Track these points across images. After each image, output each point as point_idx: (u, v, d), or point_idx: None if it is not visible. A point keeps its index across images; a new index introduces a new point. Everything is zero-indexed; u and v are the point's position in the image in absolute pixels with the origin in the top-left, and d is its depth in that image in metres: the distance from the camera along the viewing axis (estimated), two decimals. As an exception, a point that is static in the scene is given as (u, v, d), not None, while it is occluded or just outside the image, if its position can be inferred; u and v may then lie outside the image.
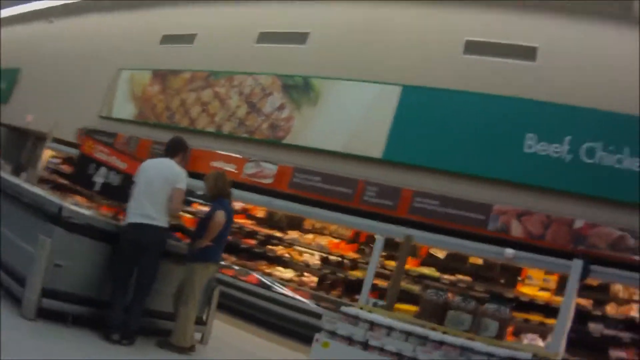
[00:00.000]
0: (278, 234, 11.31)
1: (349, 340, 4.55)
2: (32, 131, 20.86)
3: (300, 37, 13.50)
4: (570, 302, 7.75)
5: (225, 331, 7.63)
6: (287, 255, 11.07)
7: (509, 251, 8.75)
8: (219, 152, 13.12)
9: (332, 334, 4.63)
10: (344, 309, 4.73)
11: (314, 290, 10.44)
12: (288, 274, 10.92)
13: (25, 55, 22.64)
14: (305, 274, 10.91)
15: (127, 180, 6.80)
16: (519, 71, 10.65)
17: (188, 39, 16.04)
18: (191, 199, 12.35)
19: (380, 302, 5.41)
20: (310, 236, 11.18)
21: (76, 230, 5.78)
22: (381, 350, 4.41)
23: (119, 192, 6.89)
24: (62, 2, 20.44)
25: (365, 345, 4.47)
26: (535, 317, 8.68)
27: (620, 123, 9.38)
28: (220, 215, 6.37)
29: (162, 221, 6.07)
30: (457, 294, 8.01)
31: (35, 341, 5.17)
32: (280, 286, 10.39)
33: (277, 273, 10.87)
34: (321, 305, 9.93)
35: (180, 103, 14.89)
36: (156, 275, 6.20)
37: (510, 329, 7.70)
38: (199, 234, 6.46)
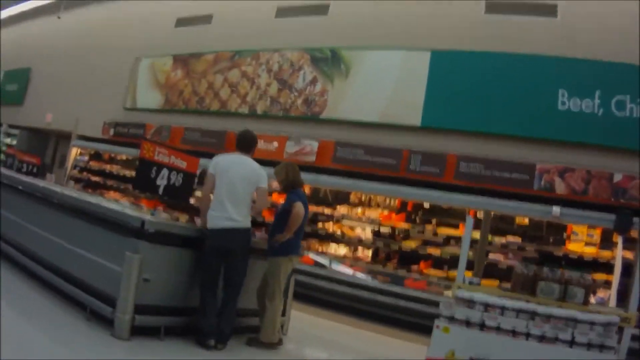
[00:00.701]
0: (327, 211, 12.02)
1: (467, 323, 4.90)
2: (53, 130, 21.65)
3: (321, 9, 14.00)
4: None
5: (295, 318, 7.86)
6: (339, 231, 11.73)
7: (556, 209, 9.41)
8: (257, 133, 13.28)
9: (451, 319, 4.93)
10: (458, 293, 4.99)
11: (369, 264, 11.21)
12: (342, 250, 11.68)
13: (35, 54, 23.30)
14: (359, 248, 11.62)
15: (189, 179, 7.14)
16: (541, 28, 11.13)
17: (205, 19, 16.57)
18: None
19: (475, 280, 5.61)
20: (359, 210, 11.92)
21: (160, 242, 5.93)
22: (497, 329, 4.79)
23: (182, 192, 7.16)
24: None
25: (482, 326, 4.83)
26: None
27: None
28: (299, 207, 6.52)
29: (247, 222, 6.25)
30: (518, 259, 8.70)
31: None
32: (337, 264, 11.14)
33: (331, 251, 11.41)
34: (378, 279, 10.71)
35: (207, 86, 15.58)
36: (245, 277, 6.38)
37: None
38: (278, 228, 6.61)
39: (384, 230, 11.50)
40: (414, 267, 10.83)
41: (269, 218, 8.78)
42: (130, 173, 16.54)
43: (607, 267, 9.13)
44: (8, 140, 22.60)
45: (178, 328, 6.17)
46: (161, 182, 6.72)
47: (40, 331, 5.49)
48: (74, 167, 18.67)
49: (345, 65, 12.92)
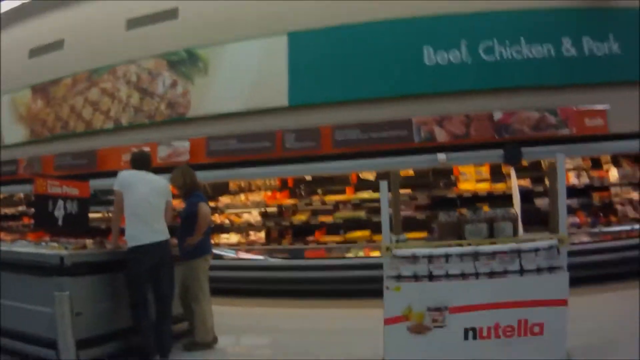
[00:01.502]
0: (210, 204, 10.34)
1: (415, 278, 4.52)
2: None
3: (170, 13, 12.19)
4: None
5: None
6: (226, 220, 10.19)
7: (441, 156, 8.63)
8: (126, 144, 11.82)
9: (398, 277, 4.53)
10: (399, 252, 4.56)
11: (265, 245, 9.80)
12: (233, 238, 10.13)
13: None
14: (251, 232, 10.11)
15: (84, 204, 6.49)
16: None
17: (57, 45, 14.20)
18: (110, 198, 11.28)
19: (402, 237, 5.07)
20: (242, 197, 10.42)
21: (81, 273, 5.28)
22: (447, 276, 4.45)
23: (80, 218, 6.47)
24: None
25: (431, 277, 4.49)
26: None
27: (513, 18, 9.37)
28: (204, 208, 5.97)
29: (167, 233, 5.62)
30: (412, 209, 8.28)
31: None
32: (233, 252, 9.68)
33: (224, 240, 9.97)
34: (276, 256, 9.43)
35: (70, 110, 13.27)
36: (174, 287, 5.85)
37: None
38: (187, 232, 5.93)
39: (271, 210, 10.10)
40: (310, 238, 9.49)
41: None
42: (9, 210, 14.46)
43: (504, 199, 8.48)
44: None
45: (120, 353, 5.49)
46: (59, 213, 6.12)
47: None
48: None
49: (203, 62, 11.17)
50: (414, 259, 4.55)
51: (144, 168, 5.76)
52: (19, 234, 13.86)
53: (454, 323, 4.29)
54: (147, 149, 10.79)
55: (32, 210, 13.26)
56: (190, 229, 5.92)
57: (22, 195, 14.54)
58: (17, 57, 15.00)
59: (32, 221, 13.35)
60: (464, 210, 5.15)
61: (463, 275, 4.43)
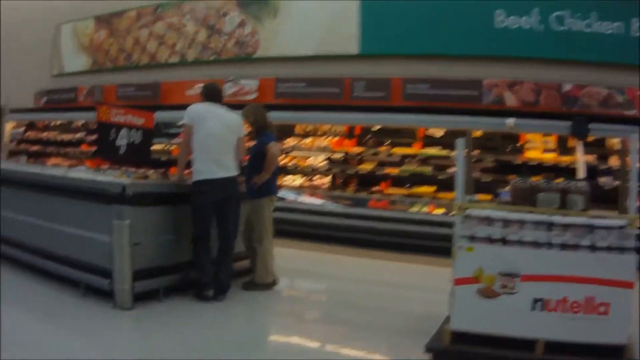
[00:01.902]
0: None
1: (489, 240, 4.26)
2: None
3: None
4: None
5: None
6: (291, 163, 10.16)
7: (510, 120, 8.34)
8: (191, 79, 11.70)
9: (471, 238, 4.28)
10: (474, 212, 4.35)
11: (329, 191, 9.71)
12: (297, 180, 10.09)
13: None
14: (315, 176, 10.10)
15: (148, 135, 6.28)
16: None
17: None
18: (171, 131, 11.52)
19: (474, 197, 4.99)
20: (308, 140, 10.32)
21: (142, 203, 5.07)
22: (520, 243, 4.21)
23: (143, 149, 6.28)
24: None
25: (504, 242, 4.23)
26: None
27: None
28: (274, 147, 5.83)
29: (236, 169, 5.47)
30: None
31: (142, 328, 4.75)
32: (297, 194, 9.68)
33: (287, 182, 9.85)
34: (341, 203, 9.32)
35: (134, 42, 13.22)
36: (239, 224, 5.67)
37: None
38: (255, 170, 5.79)
39: (337, 156, 9.94)
40: (375, 188, 9.37)
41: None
42: (67, 137, 14.47)
43: (568, 172, 8.15)
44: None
45: (175, 286, 5.35)
46: (121, 142, 5.90)
47: (37, 318, 4.66)
48: (11, 140, 16.14)
49: (273, 5, 11.03)
50: (488, 221, 4.35)
51: (215, 100, 5.57)
52: (76, 161, 13.89)
53: (523, 291, 4.13)
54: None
55: (92, 137, 13.28)
56: (258, 167, 5.79)
57: (80, 122, 14.41)
58: None
59: (93, 148, 13.29)
60: (536, 178, 4.91)
61: (536, 244, 4.22)
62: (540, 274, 4.13)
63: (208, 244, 5.34)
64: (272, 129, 6.12)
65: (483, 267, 4.18)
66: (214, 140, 5.28)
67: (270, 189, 5.95)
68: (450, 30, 9.33)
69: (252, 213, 5.87)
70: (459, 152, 4.68)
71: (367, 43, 9.98)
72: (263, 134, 5.94)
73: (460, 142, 4.66)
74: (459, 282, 4.24)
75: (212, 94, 5.57)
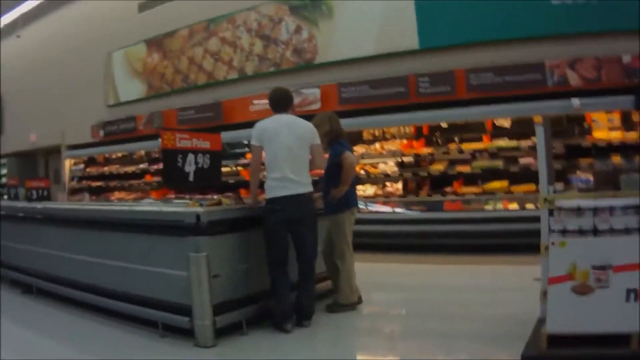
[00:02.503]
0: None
1: (580, 232, 4.65)
2: (39, 149, 21.72)
3: None
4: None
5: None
6: (362, 171, 11.82)
7: (576, 101, 9.48)
8: (252, 94, 13.68)
9: (563, 232, 4.68)
10: (564, 203, 4.73)
11: (402, 197, 11.32)
12: (369, 189, 11.78)
13: (3, 79, 23.04)
14: (387, 183, 11.75)
15: (216, 158, 6.73)
16: None
17: None
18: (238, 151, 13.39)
19: (558, 188, 5.27)
20: (377, 146, 12.02)
21: (218, 232, 5.55)
22: (611, 231, 4.58)
23: (212, 173, 6.75)
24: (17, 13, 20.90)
25: (595, 232, 4.62)
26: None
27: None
28: (350, 157, 6.35)
29: (311, 186, 5.93)
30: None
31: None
32: (371, 204, 11.27)
33: (359, 192, 11.31)
34: (415, 209, 10.92)
35: (189, 62, 15.52)
36: (317, 244, 6.11)
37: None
38: (332, 183, 6.33)
39: (407, 159, 11.56)
40: (448, 189, 10.96)
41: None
42: (129, 169, 16.81)
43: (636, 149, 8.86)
44: (-4, 171, 22.77)
45: (258, 316, 5.87)
46: (189, 168, 6.34)
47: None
48: (72, 178, 18.75)
49: (327, 5, 12.86)
50: (578, 211, 4.68)
51: (284, 108, 6.02)
52: (141, 193, 16.11)
53: (616, 283, 4.37)
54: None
55: (155, 167, 15.65)
56: (334, 179, 6.26)
57: (143, 152, 16.89)
58: (126, 13, 17.50)
59: (157, 178, 15.45)
60: (617, 158, 5.62)
61: (627, 231, 4.53)
62: (632, 262, 4.37)
63: (285, 269, 5.78)
64: (345, 137, 6.66)
65: (577, 262, 4.47)
66: (284, 156, 5.70)
67: (350, 201, 6.44)
68: (507, 12, 10.69)
69: (333, 229, 6.39)
70: (540, 142, 5.12)
71: (425, 36, 11.55)
72: (337, 143, 6.46)
73: (539, 130, 5.11)
74: (553, 280, 4.53)
75: (279, 102, 6.02)
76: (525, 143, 10.29)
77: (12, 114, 22.94)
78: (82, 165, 18.64)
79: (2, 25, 21.92)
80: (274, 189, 5.70)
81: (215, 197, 10.41)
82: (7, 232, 8.84)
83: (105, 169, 17.69)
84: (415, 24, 11.61)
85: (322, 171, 6.37)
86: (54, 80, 20.02)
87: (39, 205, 8.67)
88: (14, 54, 22.26)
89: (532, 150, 9.95)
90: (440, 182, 11.15)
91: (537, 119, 9.73)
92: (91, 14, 18.69)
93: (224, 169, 12.09)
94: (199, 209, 5.54)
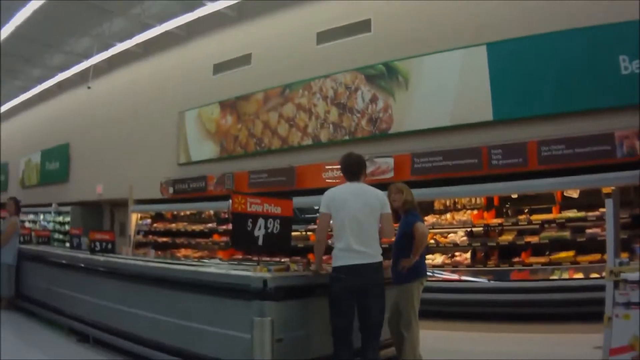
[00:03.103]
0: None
1: None
2: (105, 200, 23.21)
3: (362, 25, 15.14)
4: None
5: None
6: (432, 241, 12.65)
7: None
8: (325, 161, 14.77)
9: (627, 304, 4.98)
10: (629, 276, 5.01)
11: (470, 267, 12.10)
12: (437, 258, 12.62)
13: (71, 129, 25.29)
14: (456, 253, 12.57)
15: (287, 223, 6.97)
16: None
17: (244, 60, 17.93)
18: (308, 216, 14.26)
19: (625, 260, 5.52)
20: (448, 216, 12.96)
21: (284, 298, 5.89)
22: None
23: (282, 239, 6.93)
24: (89, 65, 22.46)
25: None
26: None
27: None
28: (423, 227, 6.80)
29: (379, 256, 6.12)
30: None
31: None
32: (439, 272, 12.13)
33: (427, 261, 12.12)
34: (482, 278, 11.70)
35: (263, 126, 16.88)
36: (384, 314, 6.27)
37: None
38: (402, 253, 6.75)
39: (477, 230, 12.39)
40: (515, 259, 11.71)
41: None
42: (197, 227, 17.93)
43: None
44: (60, 219, 24.13)
45: None
46: (259, 233, 6.52)
47: None
48: (138, 232, 20.03)
49: (403, 76, 13.98)
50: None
51: (356, 176, 6.27)
52: (208, 251, 17.18)
53: None
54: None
55: (224, 227, 16.72)
56: (405, 249, 6.71)
57: (211, 212, 18.14)
58: (202, 73, 19.11)
59: (225, 238, 16.68)
60: None
61: None
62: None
63: (349, 338, 5.95)
64: (417, 208, 7.09)
65: (637, 333, 4.74)
66: (351, 226, 5.95)
67: (419, 271, 6.86)
68: (578, 84, 11.62)
69: (401, 298, 6.76)
70: (609, 214, 5.48)
71: (499, 107, 12.54)
72: (410, 214, 6.91)
73: (609, 202, 5.48)
74: (614, 352, 4.81)
75: (351, 168, 6.30)
76: (592, 213, 11.02)
77: (79, 163, 24.76)
78: (149, 220, 19.98)
79: (72, 74, 23.90)
80: (339, 258, 5.97)
81: (283, 260, 11.20)
82: (68, 281, 9.59)
83: (173, 225, 18.94)
84: (489, 94, 12.57)
85: (392, 240, 6.65)
86: (123, 134, 21.76)
87: (102, 257, 9.29)
88: (83, 104, 24.23)
89: (599, 220, 10.73)
90: (508, 252, 11.89)
91: (608, 190, 10.67)
92: (165, 72, 20.39)
93: (293, 233, 12.42)
94: (267, 275, 5.91)
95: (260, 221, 6.47)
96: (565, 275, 10.87)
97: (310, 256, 12.84)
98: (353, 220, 5.97)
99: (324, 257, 6.47)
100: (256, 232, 6.41)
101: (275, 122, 16.41)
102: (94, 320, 8.38)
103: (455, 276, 11.99)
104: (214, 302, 6.34)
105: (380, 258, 6.08)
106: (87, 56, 22.04)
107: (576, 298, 10.24)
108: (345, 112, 14.92)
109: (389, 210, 6.25)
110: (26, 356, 7.91)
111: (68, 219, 24.02)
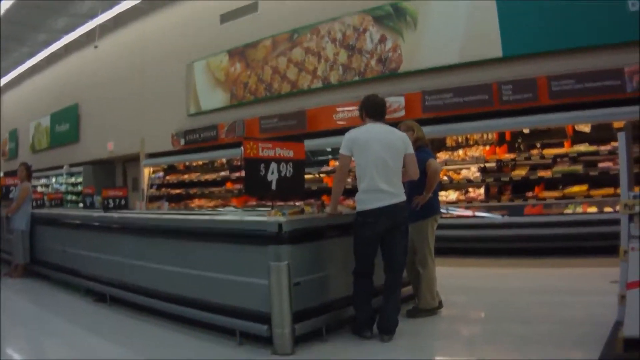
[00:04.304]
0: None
1: None
2: (117, 157, 23.69)
3: None
4: None
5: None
6: (445, 177, 13.04)
7: None
8: (337, 103, 15.11)
9: None
10: None
11: (484, 202, 12.51)
12: (451, 195, 13.02)
13: (79, 89, 25.68)
14: (470, 189, 12.97)
15: (299, 167, 7.07)
16: None
17: (251, 8, 18.05)
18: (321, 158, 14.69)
19: (638, 194, 5.41)
20: (460, 152, 13.34)
21: (300, 241, 6.00)
22: None
23: (295, 182, 7.08)
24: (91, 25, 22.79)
25: None
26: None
27: None
28: (435, 164, 6.95)
29: (404, 195, 6.20)
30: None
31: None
32: (453, 209, 12.52)
33: (441, 198, 12.46)
34: (496, 213, 12.08)
35: (272, 71, 17.15)
36: (407, 254, 6.46)
37: None
38: (415, 190, 6.84)
39: (490, 165, 12.69)
40: (529, 193, 12.04)
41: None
42: (210, 177, 18.43)
43: None
44: (72, 180, 24.67)
45: (336, 324, 6.34)
46: (272, 177, 6.64)
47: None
48: (151, 186, 20.52)
49: (411, 15, 14.14)
50: None
51: (378, 117, 6.36)
52: (222, 200, 17.56)
53: None
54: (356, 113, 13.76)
55: (237, 174, 17.18)
56: (418, 187, 6.80)
57: (224, 160, 18.58)
58: (208, 23, 19.25)
59: (238, 186, 17.13)
60: None
61: None
62: None
63: (371, 278, 6.15)
64: (428, 145, 7.27)
65: None
66: (377, 167, 6.01)
67: (433, 208, 7.07)
68: (587, 20, 11.75)
69: (416, 236, 6.89)
70: (622, 148, 5.46)
71: (508, 44, 12.67)
72: (422, 151, 6.94)
73: (621, 136, 5.44)
74: (631, 285, 4.76)
75: (374, 109, 6.37)
76: (604, 147, 11.34)
77: (89, 123, 25.14)
78: (161, 173, 20.48)
79: (78, 35, 24.12)
80: (366, 202, 6.05)
81: (297, 204, 11.41)
82: (82, 241, 9.70)
83: (186, 176, 19.43)
84: (498, 31, 12.70)
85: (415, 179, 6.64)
86: (132, 89, 22.04)
87: (116, 214, 9.46)
88: (90, 64, 24.49)
89: (611, 154, 11.09)
90: (521, 187, 12.25)
91: (619, 124, 10.86)
92: (171, 25, 20.60)
93: (306, 176, 12.85)
94: (281, 219, 5.98)
95: (273, 165, 6.60)
96: (579, 210, 11.17)
97: (324, 198, 13.26)
98: (379, 160, 6.02)
99: (326, 199, 6.44)
100: (269, 177, 6.55)
101: (284, 67, 16.67)
102: (110, 279, 8.57)
103: (469, 212, 12.32)
104: (230, 250, 6.45)
105: (404, 197, 6.17)
106: (92, 16, 22.13)
107: (590, 232, 10.55)
108: (354, 53, 15.13)
109: (412, 150, 6.31)
110: (45, 320, 8.00)
111: (80, 179, 24.49)
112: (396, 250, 6.11)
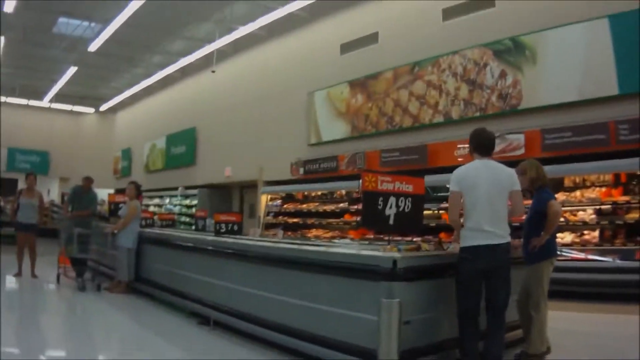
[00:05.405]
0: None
1: None
2: (234, 183, 26.13)
3: (486, 2, 16.78)
4: None
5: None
6: (562, 219, 13.66)
7: None
8: (457, 139, 16.62)
9: None
10: None
11: (598, 246, 13.45)
12: (567, 237, 14.11)
13: (197, 113, 28.33)
14: (584, 231, 13.99)
15: (418, 202, 7.54)
16: None
17: (371, 39, 20.07)
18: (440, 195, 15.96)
19: None
20: (577, 193, 14.39)
21: (413, 278, 6.39)
22: None
23: (413, 217, 7.54)
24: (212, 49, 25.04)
25: None
26: None
27: None
28: (557, 205, 7.36)
29: (508, 236, 6.65)
30: None
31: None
32: (568, 252, 13.50)
33: (557, 240, 13.82)
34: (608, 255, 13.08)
35: (394, 104, 19.06)
36: (510, 295, 6.82)
37: None
38: (533, 231, 7.39)
39: (605, 207, 13.61)
40: (640, 238, 12.97)
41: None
42: (328, 207, 20.22)
43: None
44: (187, 202, 27.53)
45: None
46: (390, 211, 7.06)
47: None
48: (267, 213, 22.65)
49: (530, 50, 15.57)
50: None
51: (486, 152, 6.82)
52: (339, 231, 19.97)
53: None
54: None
55: (355, 207, 18.81)
56: (536, 228, 7.31)
57: (343, 191, 20.42)
58: (329, 53, 21.43)
59: (356, 218, 18.88)
60: None
61: None
62: None
63: (475, 319, 6.57)
64: (549, 185, 7.71)
65: None
66: (482, 205, 6.52)
67: (550, 250, 7.46)
68: None
69: (531, 279, 7.38)
70: None
71: (625, 81, 13.68)
72: (543, 191, 7.51)
73: None
74: None
75: (482, 144, 6.88)
76: None
77: (206, 146, 27.84)
78: (279, 201, 22.60)
79: (195, 59, 26.75)
80: (468, 239, 6.58)
81: (415, 239, 12.67)
82: (191, 263, 10.63)
83: (304, 206, 21.41)
84: (614, 68, 13.77)
85: (522, 218, 7.32)
86: (251, 116, 24.52)
87: (229, 239, 10.10)
88: (208, 88, 27.23)
89: None
90: (635, 231, 12.95)
91: None
92: (291, 53, 22.92)
93: (425, 212, 12.27)
94: (396, 254, 6.36)
95: (392, 199, 7.09)
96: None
97: (442, 235, 14.54)
98: (484, 198, 6.53)
99: (444, 236, 7.58)
100: (387, 211, 7.03)
101: (406, 100, 18.42)
102: (216, 303, 9.36)
103: (581, 255, 13.17)
104: (341, 284, 6.87)
105: (508, 238, 6.64)
106: (210, 41, 24.52)
107: None
108: (475, 88, 16.77)
109: (519, 187, 6.76)
110: (142, 337, 9.18)
111: (195, 201, 26.85)
112: (498, 289, 6.56)
